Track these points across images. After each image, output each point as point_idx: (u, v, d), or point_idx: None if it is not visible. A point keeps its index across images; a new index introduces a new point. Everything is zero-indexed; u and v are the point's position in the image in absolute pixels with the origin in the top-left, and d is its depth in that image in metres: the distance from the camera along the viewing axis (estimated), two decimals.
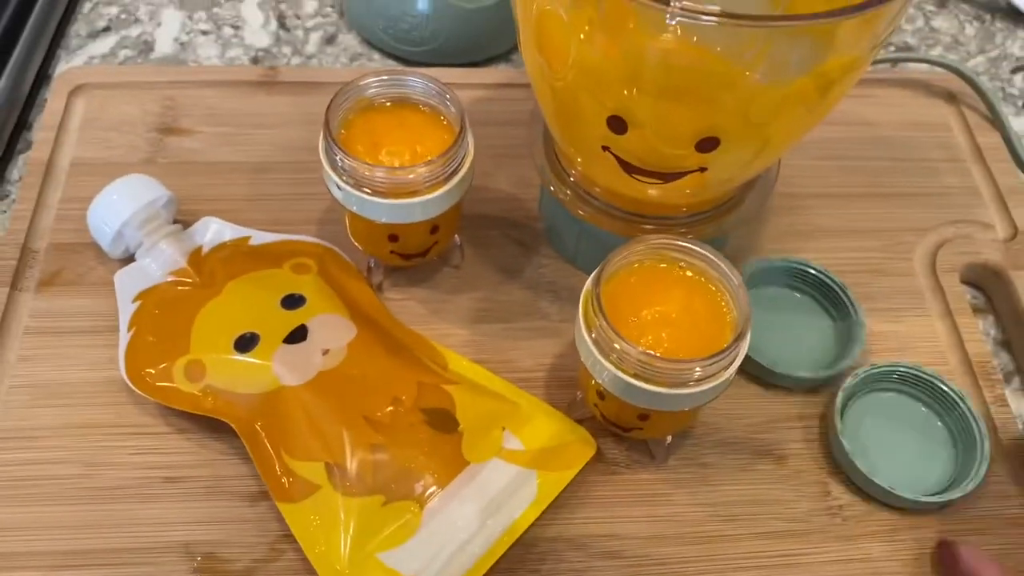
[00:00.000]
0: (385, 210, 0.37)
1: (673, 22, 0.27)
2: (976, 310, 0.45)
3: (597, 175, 0.39)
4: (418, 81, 0.38)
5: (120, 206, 0.39)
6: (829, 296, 0.42)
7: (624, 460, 0.38)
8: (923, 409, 0.40)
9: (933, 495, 0.37)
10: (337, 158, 0.36)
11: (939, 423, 0.39)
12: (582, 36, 0.31)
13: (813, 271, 0.42)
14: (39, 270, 0.41)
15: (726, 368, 0.32)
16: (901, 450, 0.38)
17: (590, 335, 0.33)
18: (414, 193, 0.37)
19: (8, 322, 0.40)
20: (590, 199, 0.40)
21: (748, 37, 0.28)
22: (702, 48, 0.29)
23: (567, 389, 0.39)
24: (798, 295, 0.43)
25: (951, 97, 0.52)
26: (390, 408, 0.36)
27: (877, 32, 0.30)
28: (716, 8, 0.26)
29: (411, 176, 0.36)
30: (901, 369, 0.39)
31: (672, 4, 0.27)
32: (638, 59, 0.30)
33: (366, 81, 0.38)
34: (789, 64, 0.29)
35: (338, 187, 0.37)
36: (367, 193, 0.36)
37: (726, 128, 0.31)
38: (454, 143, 0.36)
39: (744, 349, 0.32)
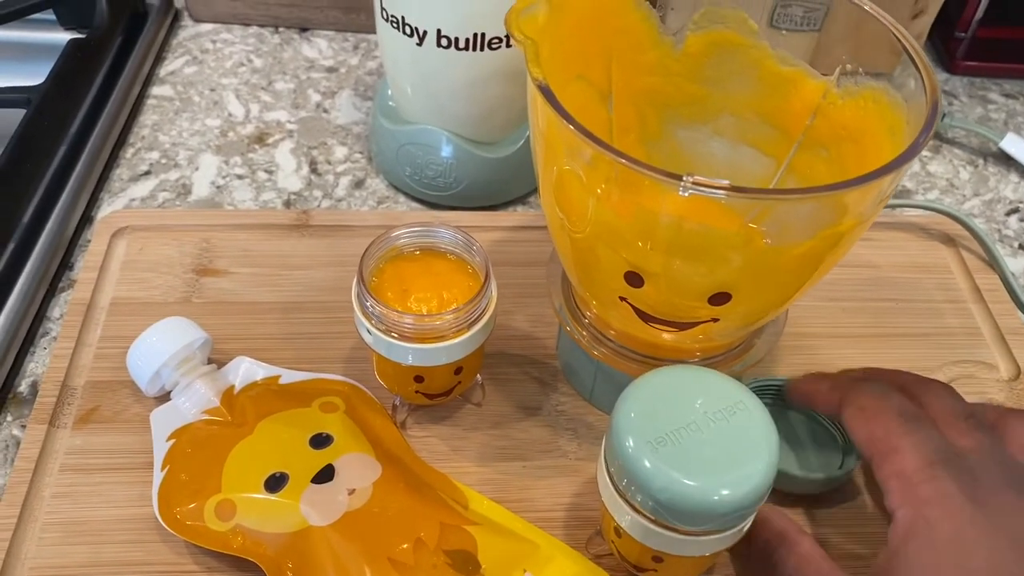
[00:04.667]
0: (412, 354, 0.39)
1: (686, 194, 0.29)
2: None
3: (612, 319, 0.41)
4: (446, 232, 0.41)
5: (159, 348, 0.41)
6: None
7: None
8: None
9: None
10: (368, 304, 0.38)
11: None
12: (599, 191, 0.34)
13: None
14: (76, 407, 0.43)
15: None
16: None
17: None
18: (440, 338, 0.38)
19: (44, 459, 0.41)
20: (605, 340, 0.42)
21: (756, 207, 0.30)
22: (712, 213, 0.32)
23: (586, 528, 0.40)
24: (790, 411, 0.45)
25: (949, 239, 0.55)
26: (413, 549, 0.37)
27: (883, 191, 0.32)
28: (726, 182, 0.29)
29: (438, 323, 0.38)
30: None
31: (684, 179, 0.29)
32: (651, 220, 0.33)
33: (397, 232, 0.40)
34: (797, 229, 0.32)
35: (368, 331, 0.39)
36: (395, 338, 0.38)
37: (737, 285, 0.33)
38: (479, 291, 0.38)
39: None
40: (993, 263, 0.53)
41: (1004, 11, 0.68)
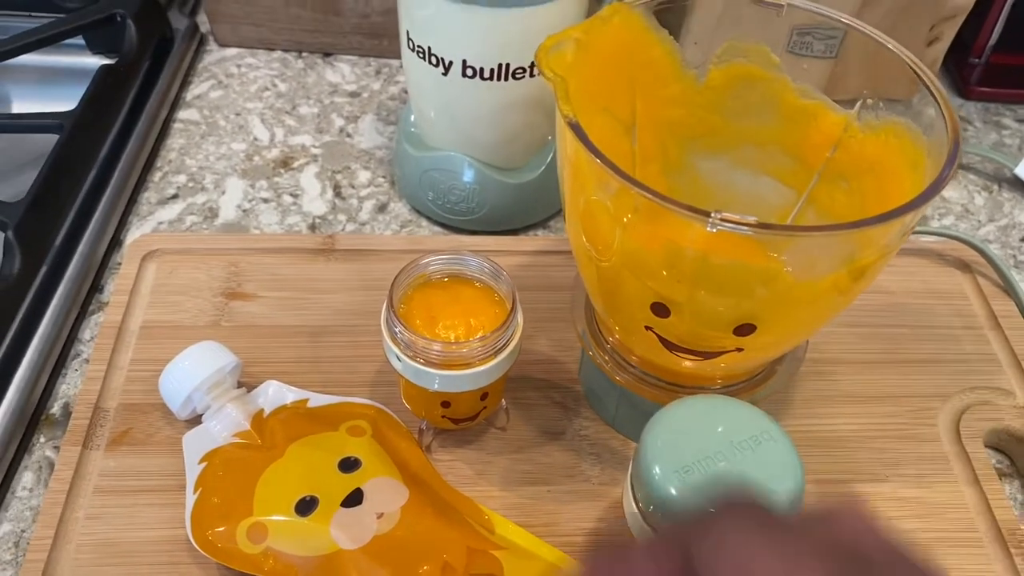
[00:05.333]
0: (439, 380, 0.39)
1: (714, 230, 0.30)
2: (1001, 474, 0.46)
3: (635, 346, 0.42)
4: (474, 260, 0.41)
5: (192, 371, 0.42)
6: None
7: None
8: None
9: None
10: (397, 331, 0.39)
11: None
12: (625, 220, 0.34)
13: None
14: (109, 429, 0.44)
15: None
16: None
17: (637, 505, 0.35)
18: (467, 365, 0.39)
19: (78, 480, 0.42)
20: (628, 366, 0.43)
21: (783, 242, 0.31)
22: (737, 245, 0.32)
23: None
24: None
25: (965, 266, 0.55)
26: (441, 573, 0.37)
27: (906, 225, 0.33)
28: (753, 219, 0.30)
29: (465, 350, 0.39)
30: None
31: (713, 215, 0.30)
32: (678, 251, 0.34)
33: (426, 260, 0.41)
34: (822, 262, 0.32)
35: (397, 358, 0.40)
36: (423, 364, 0.39)
37: (762, 316, 0.34)
38: (506, 320, 0.39)
39: None
40: (1009, 289, 0.54)
41: (1018, 37, 0.69)
